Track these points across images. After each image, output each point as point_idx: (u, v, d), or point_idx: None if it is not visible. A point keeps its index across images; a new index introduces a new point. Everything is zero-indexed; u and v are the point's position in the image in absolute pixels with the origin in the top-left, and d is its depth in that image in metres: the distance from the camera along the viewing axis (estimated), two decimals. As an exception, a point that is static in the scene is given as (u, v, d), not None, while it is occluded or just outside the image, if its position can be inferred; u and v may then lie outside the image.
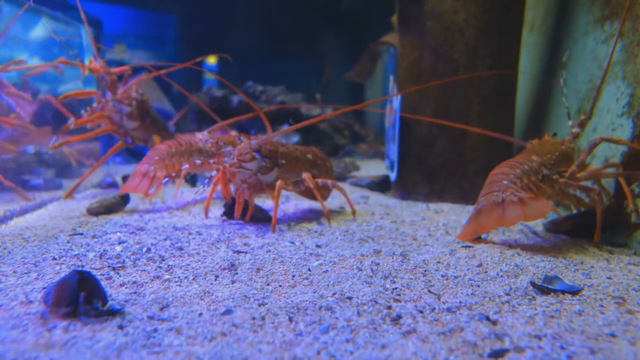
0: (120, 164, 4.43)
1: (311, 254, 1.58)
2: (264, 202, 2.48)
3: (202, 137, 1.83)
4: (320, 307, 1.13)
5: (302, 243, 1.71)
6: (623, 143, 1.76)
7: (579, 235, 1.85)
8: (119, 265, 1.43)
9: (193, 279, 1.33)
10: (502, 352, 0.92)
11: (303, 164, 2.09)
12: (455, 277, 1.35)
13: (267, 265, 1.45)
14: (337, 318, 1.07)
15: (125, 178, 3.06)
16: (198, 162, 2.02)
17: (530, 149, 1.87)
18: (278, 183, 1.89)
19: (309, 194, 2.12)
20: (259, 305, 1.15)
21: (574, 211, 2.01)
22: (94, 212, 2.15)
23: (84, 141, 2.94)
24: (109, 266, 1.42)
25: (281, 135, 2.63)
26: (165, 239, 1.72)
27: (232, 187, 1.98)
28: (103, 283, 1.24)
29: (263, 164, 1.91)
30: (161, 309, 1.11)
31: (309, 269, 1.42)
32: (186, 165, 2.08)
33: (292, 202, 2.58)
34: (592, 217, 1.80)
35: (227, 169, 1.87)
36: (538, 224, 2.08)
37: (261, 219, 2.03)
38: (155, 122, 2.82)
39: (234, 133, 1.96)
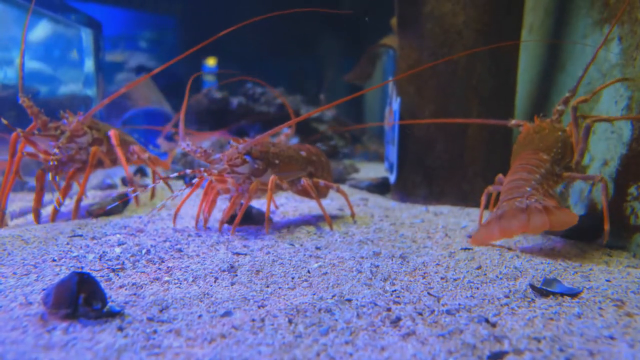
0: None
1: (310, 256, 1.58)
2: (263, 204, 2.48)
3: (186, 146, 1.75)
4: (319, 309, 1.13)
5: (301, 245, 1.71)
6: (614, 119, 1.78)
7: (576, 237, 1.86)
8: (119, 266, 1.43)
9: (193, 280, 1.33)
10: (501, 355, 0.92)
11: (297, 161, 2.07)
12: (455, 280, 1.36)
13: (267, 267, 1.45)
14: (336, 320, 1.08)
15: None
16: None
17: (530, 143, 1.84)
18: (272, 177, 1.86)
19: (307, 192, 2.12)
20: (259, 307, 1.15)
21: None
22: (93, 213, 2.15)
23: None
24: (108, 268, 1.42)
25: (284, 138, 2.62)
26: (165, 241, 1.72)
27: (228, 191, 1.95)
28: (103, 285, 1.24)
29: (255, 166, 1.89)
30: (161, 311, 1.12)
31: (309, 271, 1.42)
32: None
33: (292, 204, 2.58)
34: (587, 220, 1.81)
35: (212, 173, 1.81)
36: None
37: (261, 221, 2.03)
38: (106, 128, 2.33)
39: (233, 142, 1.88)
